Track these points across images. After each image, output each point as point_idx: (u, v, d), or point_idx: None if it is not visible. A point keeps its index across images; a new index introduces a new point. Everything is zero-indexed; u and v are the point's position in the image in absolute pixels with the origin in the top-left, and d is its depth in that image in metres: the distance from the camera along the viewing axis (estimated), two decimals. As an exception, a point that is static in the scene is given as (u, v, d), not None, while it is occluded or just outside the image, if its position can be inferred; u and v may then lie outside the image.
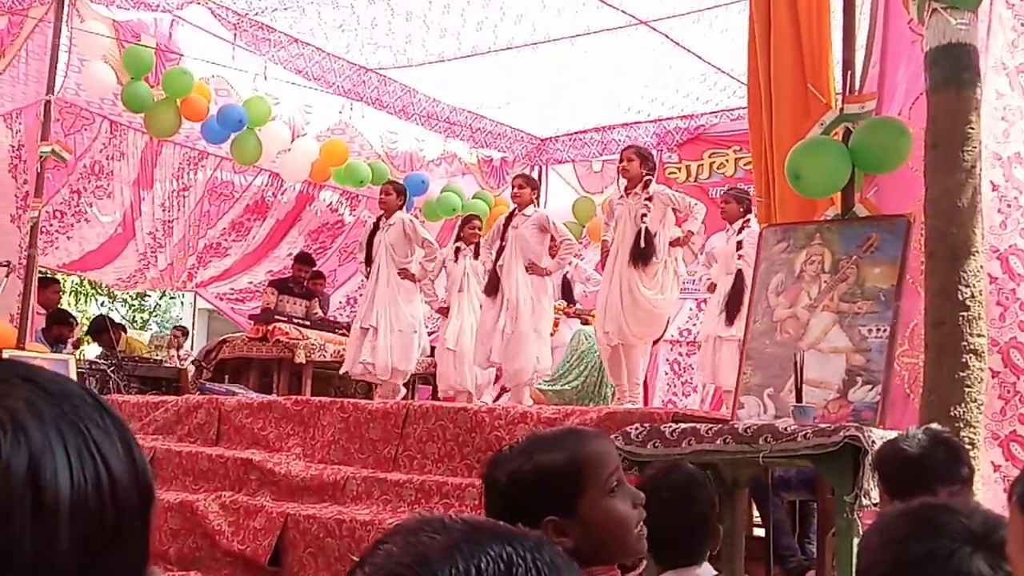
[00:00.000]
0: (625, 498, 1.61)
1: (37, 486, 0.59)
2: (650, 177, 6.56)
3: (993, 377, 3.81)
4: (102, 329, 9.48)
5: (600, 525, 1.57)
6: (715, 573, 2.55)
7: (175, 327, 12.11)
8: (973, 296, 2.92)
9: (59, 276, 10.93)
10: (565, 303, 8.67)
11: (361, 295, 8.39)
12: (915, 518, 1.28)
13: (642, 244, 6.33)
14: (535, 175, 10.71)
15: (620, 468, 1.65)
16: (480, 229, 8.03)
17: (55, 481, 0.59)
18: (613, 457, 1.64)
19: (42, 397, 0.62)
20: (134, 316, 18.87)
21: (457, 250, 7.97)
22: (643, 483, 2.69)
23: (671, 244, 6.55)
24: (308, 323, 8.84)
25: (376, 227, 7.84)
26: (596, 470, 1.59)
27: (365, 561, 0.76)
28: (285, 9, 7.96)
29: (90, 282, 15.59)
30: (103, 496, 0.62)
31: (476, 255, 7.84)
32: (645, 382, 7.06)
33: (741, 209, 6.97)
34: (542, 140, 10.84)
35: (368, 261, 7.78)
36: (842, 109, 4.30)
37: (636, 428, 3.81)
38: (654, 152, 7.53)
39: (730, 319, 6.63)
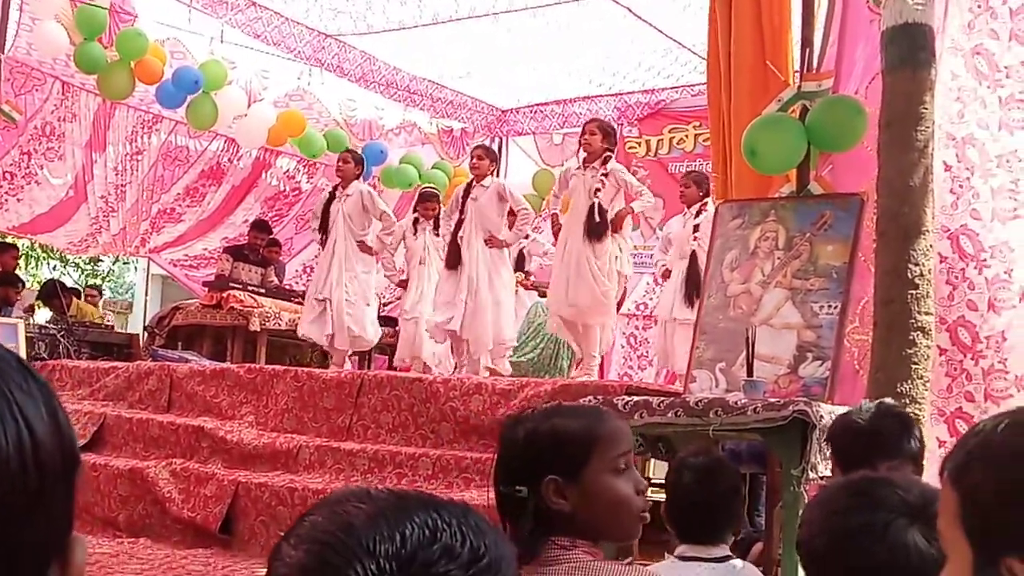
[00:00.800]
0: (629, 481, 1.67)
1: None
2: (610, 153, 6.55)
3: (941, 355, 3.87)
4: (52, 294, 9.33)
5: (598, 498, 1.63)
6: (729, 554, 2.60)
7: (88, 285, 12.16)
8: (922, 275, 2.96)
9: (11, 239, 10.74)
10: (522, 275, 8.67)
11: (317, 264, 8.32)
12: (854, 491, 1.29)
13: (596, 219, 6.31)
14: (495, 147, 10.68)
15: (631, 452, 1.72)
16: (435, 208, 7.95)
17: None
18: (627, 440, 1.71)
19: None
20: (86, 281, 18.62)
21: (415, 222, 7.92)
22: (673, 465, 2.83)
23: (612, 221, 6.51)
24: (263, 291, 8.76)
25: (332, 196, 7.74)
26: (607, 445, 1.66)
27: (291, 534, 0.76)
28: (243, -29, 7.83)
29: (41, 246, 15.33)
30: (25, 458, 0.61)
31: (436, 230, 7.79)
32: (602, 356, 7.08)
33: (700, 193, 6.97)
34: (503, 111, 10.80)
35: (323, 230, 7.69)
36: (800, 87, 4.32)
37: (589, 400, 3.83)
38: (615, 127, 7.50)
39: (689, 300, 6.62)
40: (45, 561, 0.64)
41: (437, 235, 7.76)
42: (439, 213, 7.88)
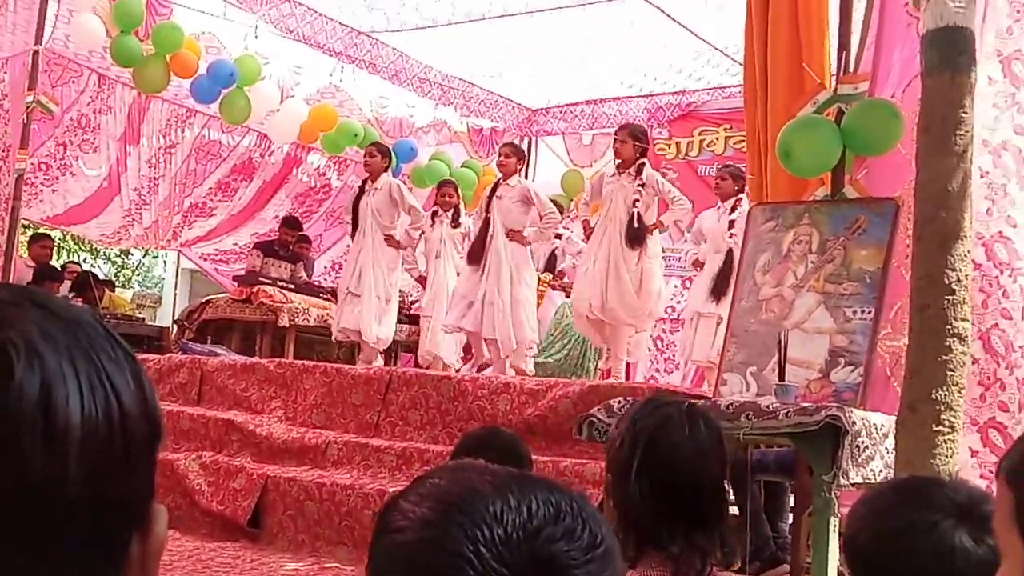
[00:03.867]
0: None
1: (49, 411, 0.58)
2: (644, 160, 6.53)
3: (973, 364, 3.83)
4: (86, 285, 9.42)
5: None
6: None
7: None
8: (959, 280, 2.93)
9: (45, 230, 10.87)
10: (550, 275, 8.67)
11: (346, 259, 8.36)
12: (902, 490, 1.29)
13: (635, 226, 6.33)
14: (525, 146, 10.68)
15: None
16: (452, 196, 7.98)
17: (66, 407, 0.59)
18: None
19: (55, 323, 0.62)
20: (117, 273, 18.81)
21: (434, 214, 7.94)
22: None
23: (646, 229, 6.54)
24: (292, 287, 8.81)
25: (362, 191, 7.78)
26: None
27: (410, 492, 0.77)
28: (278, -32, 7.88)
29: (73, 237, 15.48)
30: (113, 426, 0.62)
31: (455, 222, 7.82)
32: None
33: (736, 187, 6.88)
34: (533, 111, 10.80)
35: (355, 225, 7.73)
36: (836, 89, 4.30)
37: (619, 401, 3.83)
38: (646, 129, 7.49)
39: (716, 297, 6.61)
40: (128, 529, 0.65)
41: (455, 227, 7.78)
42: (458, 203, 7.90)
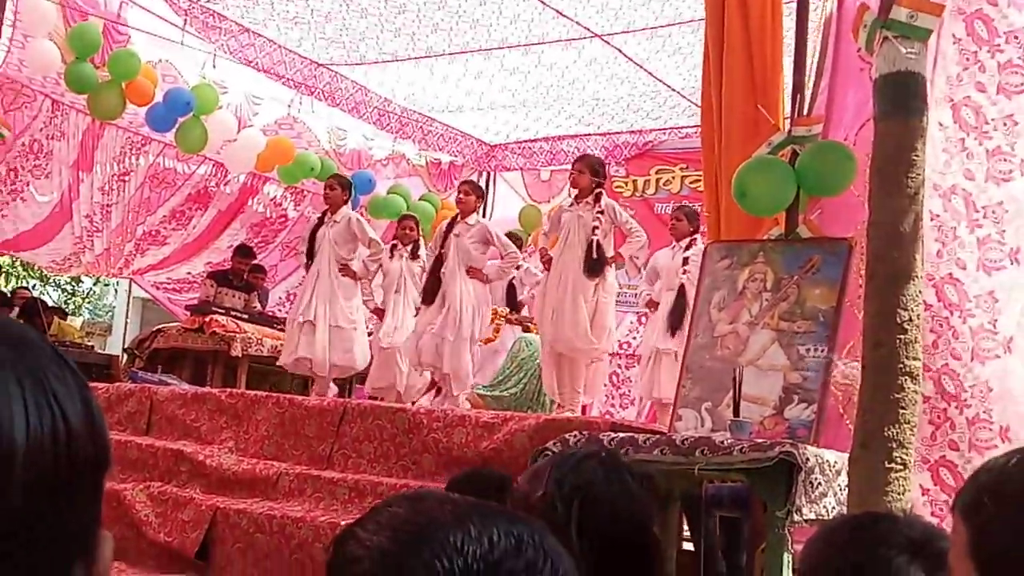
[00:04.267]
0: None
1: None
2: (600, 189, 6.60)
3: (924, 403, 3.89)
4: (34, 312, 9.26)
5: None
6: None
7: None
8: (911, 320, 2.98)
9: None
10: (508, 309, 8.67)
11: (299, 289, 8.31)
12: (856, 526, 1.30)
13: (594, 256, 6.36)
14: (483, 181, 10.72)
15: None
16: (413, 229, 7.99)
17: (11, 427, 0.58)
18: None
19: (1, 343, 0.61)
20: (67, 300, 18.51)
21: (393, 247, 7.94)
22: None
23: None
24: (246, 316, 8.73)
25: (321, 222, 7.76)
26: None
27: (367, 520, 0.75)
28: (239, -3, 7.87)
29: (22, 263, 15.23)
30: (59, 448, 0.60)
31: (413, 255, 7.82)
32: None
33: (691, 228, 7.10)
34: (491, 147, 10.86)
35: (310, 255, 7.69)
36: (790, 131, 4.37)
37: (574, 435, 3.84)
38: (603, 161, 7.56)
39: (672, 331, 6.70)
40: (71, 555, 0.63)
41: (414, 259, 7.79)
42: (418, 238, 7.90)
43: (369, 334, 8.28)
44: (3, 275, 15.23)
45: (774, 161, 4.32)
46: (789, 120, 4.51)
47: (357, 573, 0.73)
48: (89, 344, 9.72)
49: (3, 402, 0.58)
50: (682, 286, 6.79)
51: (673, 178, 9.88)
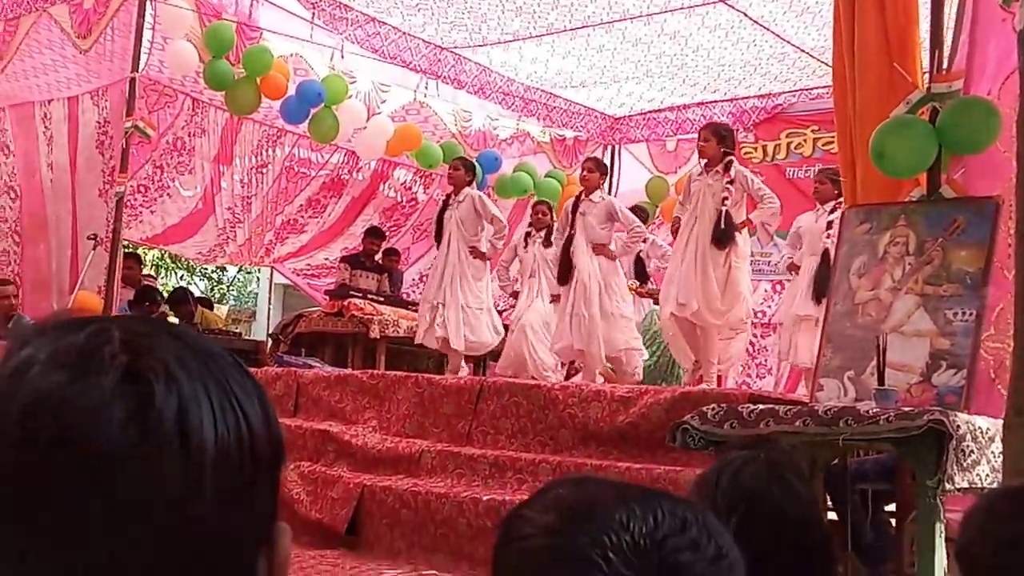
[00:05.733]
0: None
1: (185, 433, 0.62)
2: (731, 157, 6.48)
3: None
4: (182, 300, 9.70)
5: None
6: None
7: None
8: (1065, 279, 2.85)
9: (140, 251, 11.20)
10: (637, 283, 8.64)
11: (430, 271, 8.47)
12: (1018, 497, 1.27)
13: (723, 226, 6.28)
14: (608, 154, 10.67)
15: None
16: (546, 214, 8.03)
17: (201, 429, 0.63)
18: None
19: (189, 352, 0.66)
20: (213, 289, 19.32)
21: (527, 235, 8.00)
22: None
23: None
24: (381, 299, 8.95)
25: (446, 204, 7.89)
26: None
27: (534, 501, 0.78)
28: (363, -12, 8.03)
29: (170, 255, 15.95)
30: (243, 448, 0.65)
31: (546, 241, 7.83)
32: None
33: (836, 191, 6.83)
34: (616, 119, 10.78)
35: (438, 237, 7.84)
36: (929, 88, 4.21)
37: (713, 408, 3.81)
38: (731, 128, 7.42)
39: (817, 298, 6.52)
40: (255, 548, 0.68)
41: (548, 246, 7.81)
42: (551, 223, 7.92)
43: (501, 312, 8.40)
44: (152, 267, 15.98)
45: (913, 120, 4.17)
46: (928, 76, 4.35)
47: (527, 550, 0.75)
48: (236, 331, 10.12)
49: (193, 407, 0.63)
50: (826, 251, 6.59)
51: (805, 141, 9.62)
